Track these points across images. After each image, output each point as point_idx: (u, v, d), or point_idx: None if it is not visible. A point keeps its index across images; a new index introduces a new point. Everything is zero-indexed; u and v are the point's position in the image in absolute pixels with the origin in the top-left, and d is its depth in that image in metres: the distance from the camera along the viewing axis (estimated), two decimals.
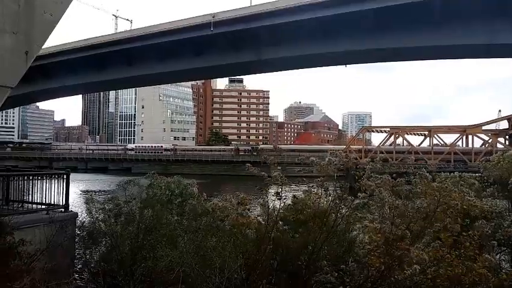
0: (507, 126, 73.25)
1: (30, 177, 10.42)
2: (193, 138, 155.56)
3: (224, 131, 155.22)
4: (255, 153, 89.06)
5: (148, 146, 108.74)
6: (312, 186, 6.91)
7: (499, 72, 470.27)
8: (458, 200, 5.73)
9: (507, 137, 72.90)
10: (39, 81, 39.78)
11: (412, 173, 6.86)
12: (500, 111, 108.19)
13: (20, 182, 10.01)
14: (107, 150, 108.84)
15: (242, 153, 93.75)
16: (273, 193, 6.95)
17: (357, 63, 37.19)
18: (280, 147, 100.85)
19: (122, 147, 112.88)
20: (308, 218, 7.16)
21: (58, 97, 57.10)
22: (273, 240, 6.60)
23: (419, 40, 26.27)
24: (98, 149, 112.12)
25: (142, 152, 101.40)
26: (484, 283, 4.89)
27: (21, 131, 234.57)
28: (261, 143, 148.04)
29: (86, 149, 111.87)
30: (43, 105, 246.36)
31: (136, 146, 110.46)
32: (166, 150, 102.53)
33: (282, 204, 6.94)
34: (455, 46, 25.93)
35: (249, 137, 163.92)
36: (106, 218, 8.55)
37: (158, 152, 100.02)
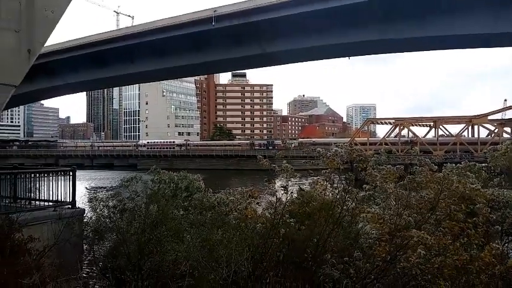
0: None
1: (37, 175, 10.49)
2: (198, 133, 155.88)
3: (228, 125, 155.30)
4: (270, 147, 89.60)
5: (160, 142, 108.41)
6: (318, 178, 6.91)
7: (506, 60, 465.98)
8: (461, 187, 5.71)
9: None
10: (43, 79, 39.97)
11: (417, 164, 6.83)
12: (506, 100, 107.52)
13: (27, 179, 10.09)
14: (118, 146, 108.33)
15: (257, 147, 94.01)
16: (279, 186, 6.96)
17: (363, 55, 36.96)
18: (301, 141, 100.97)
19: (134, 143, 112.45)
20: (314, 211, 7.17)
21: (62, 95, 57.40)
22: (279, 233, 6.62)
23: (423, 30, 26.08)
24: (109, 146, 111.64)
25: (153, 148, 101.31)
26: (491, 271, 4.88)
27: (27, 129, 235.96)
28: (266, 137, 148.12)
29: (93, 146, 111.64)
30: (48, 103, 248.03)
31: (147, 142, 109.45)
32: (178, 145, 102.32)
33: (288, 197, 6.95)
34: (459, 36, 25.70)
35: (253, 131, 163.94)
36: (110, 215, 8.60)
37: (170, 148, 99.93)
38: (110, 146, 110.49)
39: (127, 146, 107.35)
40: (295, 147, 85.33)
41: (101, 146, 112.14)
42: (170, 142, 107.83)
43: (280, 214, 6.68)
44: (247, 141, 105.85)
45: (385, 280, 5.57)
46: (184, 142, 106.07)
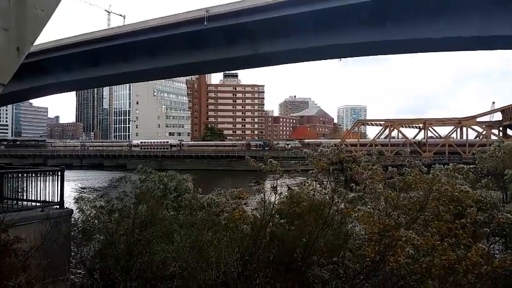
0: (501, 118, 73.85)
1: (25, 175, 10.34)
2: (188, 133, 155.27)
3: (219, 126, 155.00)
4: (266, 148, 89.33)
5: (154, 142, 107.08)
6: (307, 179, 6.93)
7: (494, 62, 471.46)
8: (449, 188, 5.77)
9: (501, 128, 73.51)
10: (31, 78, 39.40)
11: (406, 165, 6.89)
12: (494, 102, 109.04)
13: (15, 179, 9.94)
14: (111, 147, 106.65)
15: (254, 148, 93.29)
16: (269, 186, 6.96)
17: (354, 57, 37.11)
18: (308, 141, 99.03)
19: (127, 143, 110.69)
20: (304, 211, 7.19)
21: (51, 94, 56.66)
22: (269, 233, 6.62)
23: (414, 33, 26.17)
24: (102, 146, 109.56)
25: (147, 148, 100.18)
26: (478, 270, 4.94)
27: (15, 128, 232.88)
28: (257, 137, 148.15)
29: (85, 146, 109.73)
30: (37, 102, 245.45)
31: (141, 142, 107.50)
32: (172, 146, 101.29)
33: (277, 198, 6.96)
34: (449, 38, 25.89)
35: (244, 132, 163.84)
36: (99, 215, 8.52)
37: (164, 148, 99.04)
38: (102, 146, 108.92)
39: (120, 146, 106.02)
40: (299, 148, 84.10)
41: (93, 146, 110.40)
42: (164, 142, 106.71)
43: (270, 214, 6.69)
44: (243, 142, 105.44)
45: (374, 280, 5.60)
46: (178, 142, 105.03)
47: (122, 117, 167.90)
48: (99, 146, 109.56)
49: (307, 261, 6.27)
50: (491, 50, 31.07)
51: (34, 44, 8.20)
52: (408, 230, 5.11)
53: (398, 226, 5.26)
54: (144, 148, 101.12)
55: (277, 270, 6.53)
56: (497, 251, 8.92)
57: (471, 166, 13.94)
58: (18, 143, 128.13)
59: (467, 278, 4.84)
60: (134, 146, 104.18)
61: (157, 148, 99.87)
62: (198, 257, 6.44)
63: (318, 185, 6.66)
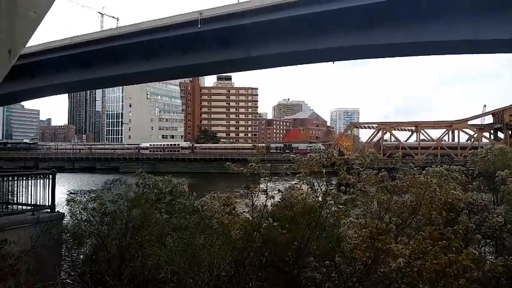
0: (492, 121, 74.68)
1: (15, 178, 10.21)
2: (182, 136, 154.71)
3: (213, 128, 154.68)
4: (287, 151, 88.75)
5: (163, 144, 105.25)
6: (295, 183, 6.93)
7: (485, 65, 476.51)
8: (442, 194, 5.80)
9: (492, 131, 74.31)
10: (24, 80, 39.10)
11: (399, 169, 6.92)
12: (485, 106, 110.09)
13: (5, 182, 9.81)
14: (119, 149, 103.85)
15: (273, 151, 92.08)
16: (261, 189, 6.94)
17: (346, 60, 37.47)
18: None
19: (135, 146, 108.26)
20: (296, 214, 7.19)
21: (43, 96, 56.28)
22: (261, 236, 6.61)
23: (407, 36, 26.43)
24: (110, 149, 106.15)
25: (157, 151, 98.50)
26: (469, 274, 4.97)
27: (6, 131, 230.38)
28: (250, 140, 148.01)
29: (92, 149, 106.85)
30: (28, 104, 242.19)
31: (150, 145, 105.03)
32: (183, 148, 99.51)
33: (269, 201, 6.95)
34: (441, 42, 26.17)
35: (238, 135, 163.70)
36: (90, 218, 8.44)
37: (175, 151, 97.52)
38: (116, 149, 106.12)
39: (128, 149, 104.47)
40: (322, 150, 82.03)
41: (99, 149, 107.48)
42: (175, 144, 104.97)
43: (261, 217, 6.68)
44: (263, 145, 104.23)
45: (367, 283, 5.61)
46: (191, 145, 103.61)
47: (115, 120, 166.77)
48: (107, 149, 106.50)
49: (299, 264, 6.27)
50: (484, 54, 31.46)
51: (27, 46, 8.15)
52: (400, 234, 5.13)
53: (389, 231, 5.28)
54: (153, 151, 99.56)
55: (269, 274, 6.52)
56: (488, 253, 9.00)
57: (462, 168, 14.04)
58: (9, 145, 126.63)
59: (457, 282, 4.86)
60: (143, 148, 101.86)
61: (167, 151, 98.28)
62: (190, 260, 6.40)
63: (310, 188, 6.67)
